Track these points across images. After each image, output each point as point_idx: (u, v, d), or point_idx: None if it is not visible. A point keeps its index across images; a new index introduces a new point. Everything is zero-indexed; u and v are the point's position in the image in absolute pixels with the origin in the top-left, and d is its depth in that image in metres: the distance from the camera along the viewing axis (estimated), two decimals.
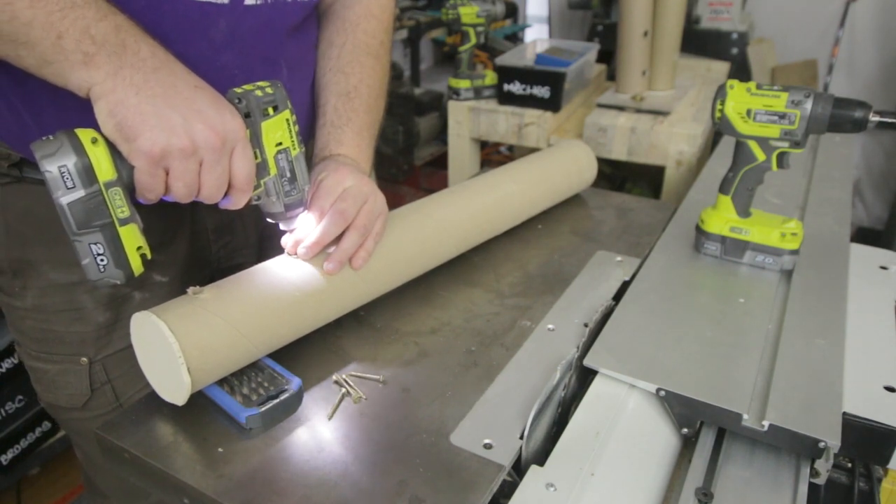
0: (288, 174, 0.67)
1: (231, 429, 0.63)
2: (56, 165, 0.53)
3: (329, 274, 0.70)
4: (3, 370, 1.45)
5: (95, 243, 0.56)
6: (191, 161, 0.57)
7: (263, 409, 0.62)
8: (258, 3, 0.70)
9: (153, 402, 0.66)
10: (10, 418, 1.48)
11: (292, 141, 0.66)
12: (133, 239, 0.59)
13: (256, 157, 0.63)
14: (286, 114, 0.65)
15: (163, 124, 0.55)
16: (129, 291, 0.78)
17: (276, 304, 0.67)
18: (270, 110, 0.63)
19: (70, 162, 0.53)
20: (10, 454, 1.48)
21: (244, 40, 0.71)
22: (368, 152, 0.83)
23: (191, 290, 0.64)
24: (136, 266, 0.60)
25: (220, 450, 0.60)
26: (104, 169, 0.55)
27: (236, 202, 0.64)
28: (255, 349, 0.65)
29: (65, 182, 0.53)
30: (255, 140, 0.63)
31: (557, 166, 1.05)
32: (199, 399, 0.66)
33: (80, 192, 0.54)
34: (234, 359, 0.64)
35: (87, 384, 0.78)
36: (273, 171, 0.66)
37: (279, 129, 0.65)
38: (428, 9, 3.16)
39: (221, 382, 0.65)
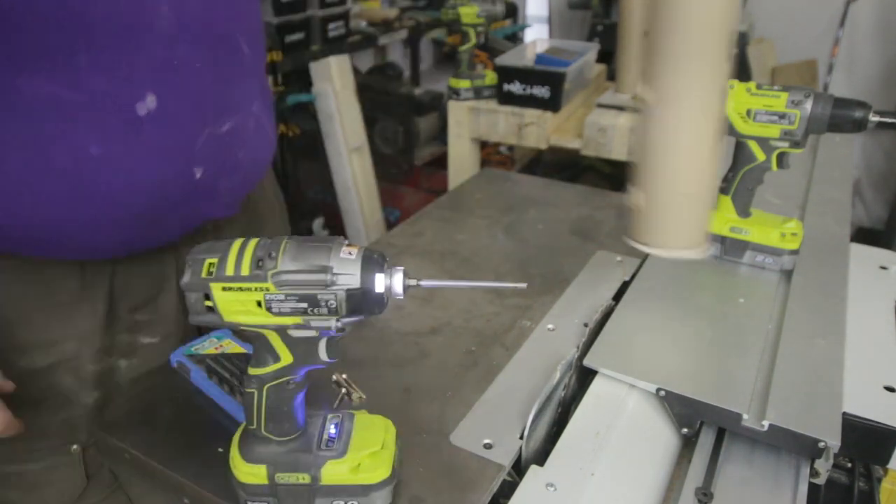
0: None
1: (231, 429, 0.62)
2: None
3: None
4: None
5: None
6: None
7: None
8: None
9: (153, 402, 0.66)
10: None
11: None
12: None
13: None
14: None
15: None
16: (114, 360, 0.70)
17: None
18: None
19: None
20: None
21: (196, 21, 0.56)
22: None
23: None
24: None
25: (220, 450, 0.60)
26: None
27: None
28: None
29: None
30: None
31: None
32: (199, 399, 0.66)
33: None
34: None
35: (83, 473, 0.70)
36: None
37: None
38: (428, 9, 3.15)
39: (221, 382, 0.65)
